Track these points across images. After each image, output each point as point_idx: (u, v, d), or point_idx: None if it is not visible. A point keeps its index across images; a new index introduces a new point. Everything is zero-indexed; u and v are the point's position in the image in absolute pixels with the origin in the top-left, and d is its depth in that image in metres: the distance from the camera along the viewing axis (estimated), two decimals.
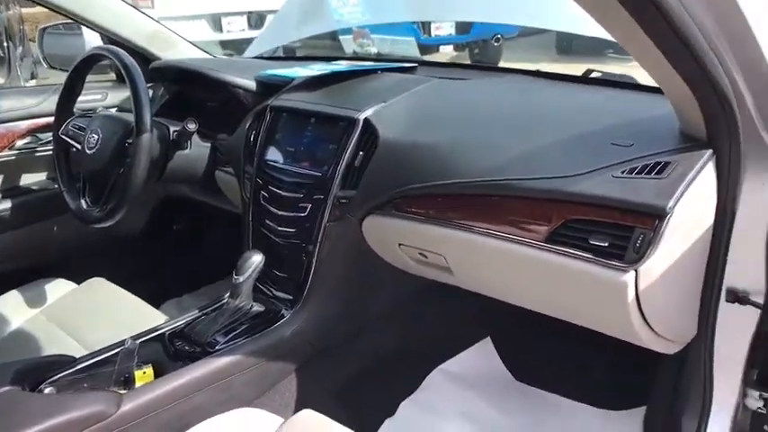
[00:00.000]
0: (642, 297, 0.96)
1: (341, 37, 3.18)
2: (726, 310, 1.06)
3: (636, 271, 0.92)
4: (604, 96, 1.29)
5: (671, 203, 0.88)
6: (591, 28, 0.99)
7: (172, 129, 1.49)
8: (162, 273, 2.07)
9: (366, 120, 1.27)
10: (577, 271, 0.97)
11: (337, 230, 1.28)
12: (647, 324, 1.04)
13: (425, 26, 6.58)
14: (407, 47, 3.24)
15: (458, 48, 7.39)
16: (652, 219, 0.89)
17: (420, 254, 1.22)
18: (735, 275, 1.02)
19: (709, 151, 0.94)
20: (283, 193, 1.34)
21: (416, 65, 1.64)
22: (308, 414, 1.03)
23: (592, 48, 5.16)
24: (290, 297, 1.35)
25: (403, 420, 1.42)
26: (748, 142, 0.93)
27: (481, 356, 1.64)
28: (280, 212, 1.35)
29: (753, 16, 0.80)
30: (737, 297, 1.03)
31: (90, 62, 1.47)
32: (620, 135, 1.03)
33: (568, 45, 6.99)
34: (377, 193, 1.21)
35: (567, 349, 1.59)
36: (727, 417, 1.13)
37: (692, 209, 0.93)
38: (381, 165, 1.22)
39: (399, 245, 1.24)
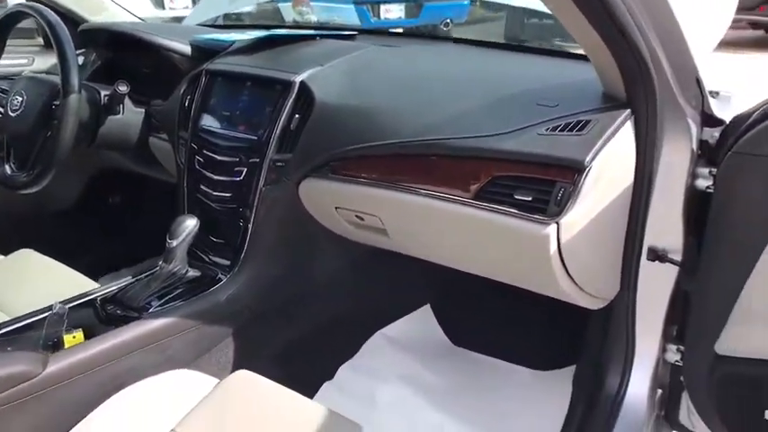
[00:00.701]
0: (564, 250, 1.00)
1: (280, 5, 3.14)
2: (647, 268, 1.12)
3: (557, 224, 0.96)
4: (534, 63, 1.33)
5: (589, 157, 0.92)
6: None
7: (103, 92, 1.45)
8: (98, 247, 2.02)
9: (302, 83, 1.27)
10: (504, 226, 1.01)
11: (273, 194, 1.28)
12: (571, 278, 1.09)
13: (375, 9, 6.55)
14: (347, 15, 3.23)
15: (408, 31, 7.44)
16: (572, 172, 0.93)
17: (356, 216, 1.24)
18: (655, 234, 1.08)
19: (628, 111, 0.99)
20: (218, 158, 1.33)
21: (356, 33, 1.64)
22: (243, 374, 1.04)
23: (540, 36, 5.28)
24: (227, 262, 1.34)
25: (341, 383, 1.44)
26: (666, 105, 0.98)
27: (420, 322, 1.68)
28: (215, 177, 1.34)
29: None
30: (657, 255, 1.09)
31: (11, 21, 1.41)
32: (546, 97, 1.07)
33: (517, 33, 7.12)
34: (313, 156, 1.22)
35: (504, 315, 1.65)
36: (648, 370, 1.20)
37: (610, 164, 0.98)
38: (317, 127, 1.22)
39: (336, 208, 1.25)
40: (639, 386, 1.21)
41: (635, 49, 0.90)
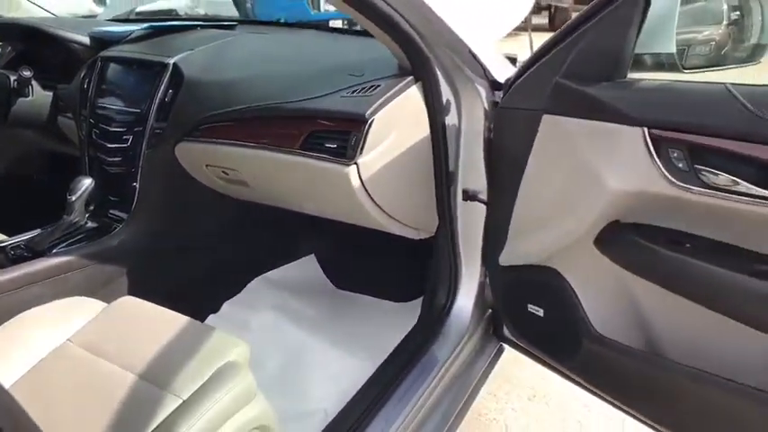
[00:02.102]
0: (368, 185, 1.30)
1: (176, 5, 3.45)
2: (463, 206, 1.41)
3: (356, 164, 1.26)
4: (356, 42, 1.63)
5: (370, 112, 1.22)
6: None
7: (12, 78, 1.70)
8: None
9: (175, 64, 1.55)
10: (321, 168, 1.31)
11: (155, 156, 1.56)
12: (383, 211, 1.38)
13: (314, 2, 6.82)
14: (229, 9, 3.59)
15: (350, 22, 7.70)
16: (359, 124, 1.23)
17: (223, 171, 1.53)
18: (467, 178, 1.37)
19: (411, 78, 1.29)
20: (111, 129, 1.60)
21: (236, 23, 1.93)
22: (128, 299, 1.27)
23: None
24: (122, 215, 1.61)
25: (225, 315, 1.74)
26: (456, 75, 1.26)
27: (303, 268, 1.98)
28: (108, 145, 1.61)
29: None
30: (469, 196, 1.39)
31: None
32: (356, 68, 1.37)
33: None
34: (184, 123, 1.50)
35: (378, 258, 1.94)
36: (471, 291, 1.47)
37: (398, 118, 1.27)
38: (186, 100, 1.51)
39: (206, 165, 1.54)
40: (464, 305, 1.47)
41: (407, 36, 1.19)
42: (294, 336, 1.67)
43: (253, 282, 1.85)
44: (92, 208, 1.56)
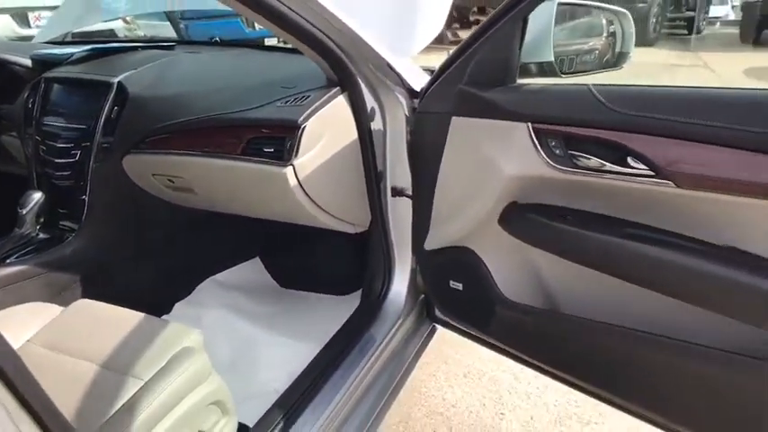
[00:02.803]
0: (305, 184, 1.45)
1: (113, 26, 3.54)
2: (394, 202, 1.57)
3: (293, 165, 1.41)
4: (287, 58, 1.80)
5: (302, 118, 1.38)
6: None
7: None
8: None
9: (119, 83, 1.66)
10: (261, 171, 1.45)
11: (103, 169, 1.66)
12: (321, 208, 1.54)
13: (250, 21, 6.90)
14: (166, 30, 3.71)
15: (284, 40, 7.84)
16: (293, 129, 1.39)
17: (168, 180, 1.65)
18: (395, 176, 1.54)
19: (337, 88, 1.46)
20: (58, 145, 1.69)
21: (174, 44, 2.05)
22: (85, 302, 1.36)
23: None
24: (74, 226, 1.70)
25: (177, 314, 1.85)
26: (379, 86, 1.42)
27: (249, 270, 2.11)
28: (56, 161, 1.70)
29: (341, 13, 1.28)
30: (397, 192, 1.56)
31: None
32: (289, 81, 1.53)
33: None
34: (130, 137, 1.62)
35: (316, 257, 2.10)
36: (405, 278, 1.63)
37: (328, 124, 1.43)
38: (131, 115, 1.62)
39: (153, 174, 1.66)
40: (399, 291, 1.63)
41: (331, 52, 1.34)
42: (244, 329, 1.80)
43: (202, 284, 1.97)
44: (42, 220, 1.65)
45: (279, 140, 1.41)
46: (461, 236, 1.41)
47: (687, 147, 0.98)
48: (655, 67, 7.80)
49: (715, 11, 12.33)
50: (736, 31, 9.94)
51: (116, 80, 1.66)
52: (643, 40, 9.61)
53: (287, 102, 1.44)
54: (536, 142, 1.16)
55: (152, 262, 1.85)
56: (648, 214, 1.10)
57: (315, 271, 2.13)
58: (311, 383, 1.35)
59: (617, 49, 1.45)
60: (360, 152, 1.52)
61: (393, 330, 1.60)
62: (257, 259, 2.16)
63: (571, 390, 1.37)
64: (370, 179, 1.55)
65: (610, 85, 1.13)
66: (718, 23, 12.45)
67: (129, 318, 1.20)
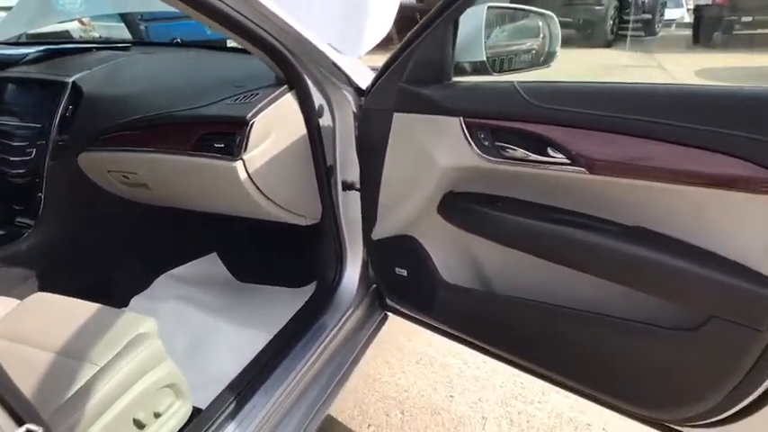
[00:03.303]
0: (255, 178, 1.51)
1: (69, 28, 3.54)
2: (345, 196, 1.64)
3: (242, 159, 1.48)
4: (239, 59, 1.86)
5: (250, 115, 1.44)
6: None
7: None
8: None
9: (74, 82, 1.70)
10: (212, 166, 1.51)
11: (59, 166, 1.70)
12: (272, 201, 1.60)
13: None
14: (122, 32, 3.74)
15: None
16: (242, 125, 1.45)
17: (123, 176, 1.69)
18: (345, 171, 1.61)
19: (285, 86, 1.53)
20: (13, 144, 1.73)
21: (129, 45, 2.10)
22: (42, 294, 1.39)
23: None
24: (30, 222, 1.73)
25: (133, 307, 1.89)
26: (327, 84, 1.48)
27: (206, 265, 2.16)
28: (11, 159, 1.73)
29: (284, 13, 1.35)
30: (348, 186, 1.63)
31: None
32: (239, 80, 1.60)
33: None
34: (85, 135, 1.66)
35: (271, 251, 2.15)
36: (356, 268, 1.70)
37: (277, 120, 1.49)
38: (86, 113, 1.67)
39: (108, 171, 1.70)
40: (350, 281, 1.70)
41: (278, 52, 1.40)
42: (199, 320, 1.85)
43: (159, 278, 2.01)
44: None
45: (229, 136, 1.47)
46: (404, 225, 1.49)
47: (595, 136, 1.08)
48: (612, 69, 8.09)
49: (671, 13, 12.77)
50: (690, 32, 10.32)
51: (71, 80, 1.70)
52: (601, 42, 9.95)
53: (236, 99, 1.50)
54: (468, 135, 1.25)
55: (108, 257, 1.89)
56: (568, 199, 1.20)
57: (271, 264, 2.18)
58: (262, 368, 1.42)
59: (545, 49, 1.56)
60: (305, 145, 1.59)
61: (344, 318, 1.67)
62: (215, 254, 2.20)
63: (517, 372, 1.46)
64: (320, 173, 1.61)
65: (532, 81, 1.22)
66: (674, 26, 12.89)
67: (86, 309, 1.23)
